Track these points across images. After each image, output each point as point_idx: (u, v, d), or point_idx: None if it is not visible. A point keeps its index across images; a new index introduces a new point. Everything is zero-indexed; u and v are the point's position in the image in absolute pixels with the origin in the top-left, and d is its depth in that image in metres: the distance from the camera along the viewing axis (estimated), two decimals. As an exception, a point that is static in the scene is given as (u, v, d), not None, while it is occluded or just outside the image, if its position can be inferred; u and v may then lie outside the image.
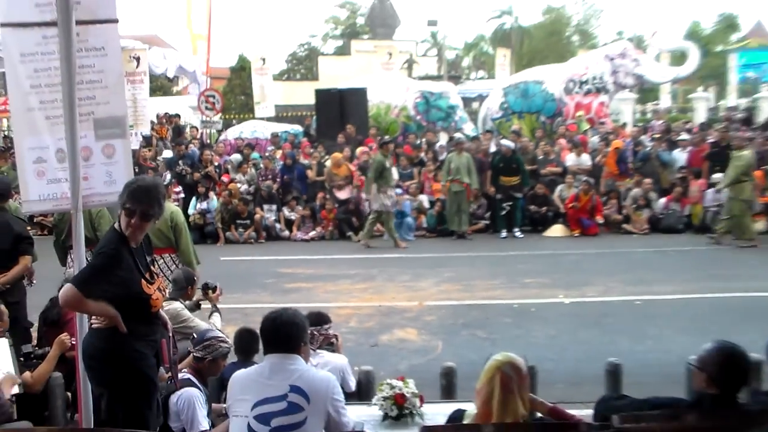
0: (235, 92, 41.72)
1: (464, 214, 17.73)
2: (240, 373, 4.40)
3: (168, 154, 20.06)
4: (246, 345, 6.17)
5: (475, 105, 30.88)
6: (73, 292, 4.56)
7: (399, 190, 18.06)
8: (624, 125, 26.09)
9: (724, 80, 46.90)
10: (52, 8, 4.90)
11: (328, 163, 19.21)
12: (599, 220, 18.07)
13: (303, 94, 31.72)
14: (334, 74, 37.58)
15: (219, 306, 7.74)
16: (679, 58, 28.60)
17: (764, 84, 42.57)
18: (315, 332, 5.93)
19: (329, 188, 18.77)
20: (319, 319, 6.29)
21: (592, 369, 7.29)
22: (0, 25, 5.12)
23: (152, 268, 5.10)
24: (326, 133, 21.66)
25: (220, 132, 25.87)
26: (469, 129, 23.92)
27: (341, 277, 13.66)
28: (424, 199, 18.69)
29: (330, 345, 6.38)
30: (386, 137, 20.09)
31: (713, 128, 21.92)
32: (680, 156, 19.81)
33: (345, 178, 18.86)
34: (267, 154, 20.66)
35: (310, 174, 19.41)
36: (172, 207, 9.24)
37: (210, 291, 7.63)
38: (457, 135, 20.22)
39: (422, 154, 20.40)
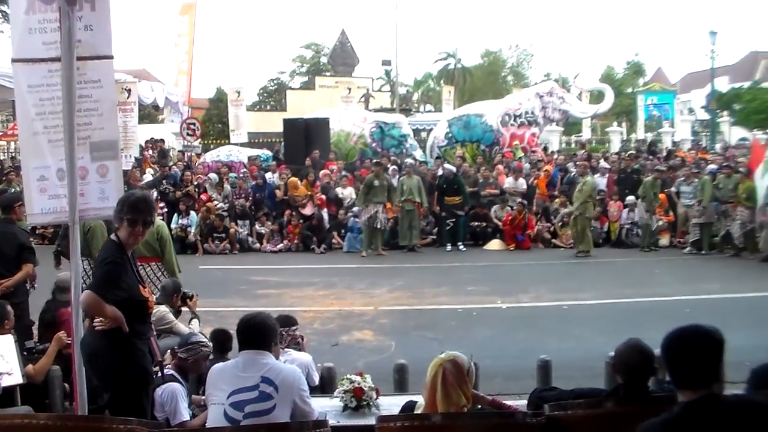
0: (213, 121, 41.50)
1: (415, 229, 17.72)
2: (217, 367, 4.43)
3: (148, 177, 19.87)
4: (221, 343, 6.14)
5: (423, 135, 30.92)
6: (94, 298, 4.57)
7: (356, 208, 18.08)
8: (553, 153, 26.30)
9: (633, 117, 47.72)
10: (57, 46, 4.95)
11: (291, 182, 19.13)
12: (531, 235, 18.15)
13: (273, 123, 31.62)
14: (301, 106, 37.59)
15: (197, 310, 7.70)
16: (597, 97, 29.06)
17: (666, 121, 43.43)
18: (283, 333, 5.89)
19: (295, 206, 18.67)
20: (287, 321, 6.26)
21: (526, 365, 7.31)
22: (12, 61, 5.18)
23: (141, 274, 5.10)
24: (293, 157, 21.52)
25: (199, 155, 25.68)
26: (418, 155, 23.95)
27: (306, 284, 13.56)
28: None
29: (297, 344, 6.34)
30: (378, 160, 20.04)
31: (623, 157, 22.28)
32: (600, 180, 20.01)
33: (305, 197, 18.78)
34: (241, 175, 20.52)
35: (278, 193, 19.31)
36: (158, 221, 9.15)
37: (188, 299, 7.59)
38: (408, 160, 20.27)
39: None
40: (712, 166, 19.38)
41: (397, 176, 18.85)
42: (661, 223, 18.02)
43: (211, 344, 5.88)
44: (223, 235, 18.06)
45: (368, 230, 17.29)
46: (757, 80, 69.38)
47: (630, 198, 18.34)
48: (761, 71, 77.44)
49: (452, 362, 4.17)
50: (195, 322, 7.53)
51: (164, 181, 19.02)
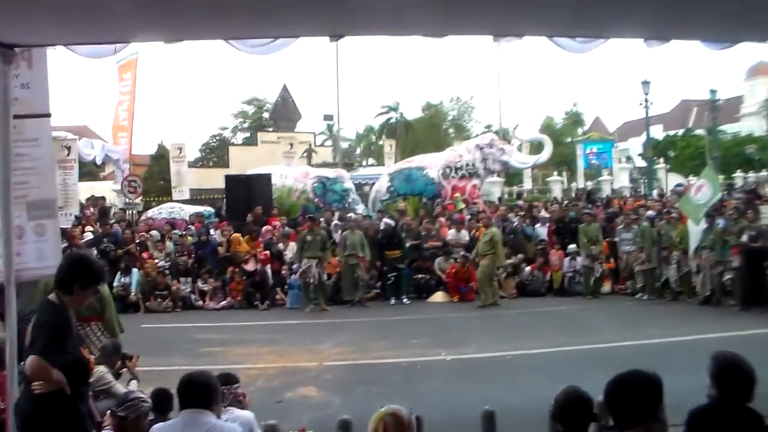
0: (155, 178, 41.24)
1: (360, 284, 17.77)
2: (157, 427, 4.38)
3: (88, 235, 19.58)
4: (161, 403, 6.05)
5: (366, 189, 31.12)
6: (40, 363, 4.45)
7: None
8: (495, 204, 26.62)
9: (573, 166, 48.62)
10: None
11: (233, 239, 19.06)
12: (475, 286, 18.26)
13: (215, 179, 31.53)
14: (243, 162, 37.58)
15: (138, 370, 7.59)
16: (537, 147, 29.57)
17: (605, 169, 44.36)
18: (225, 391, 5.83)
19: (237, 262, 18.58)
20: (228, 379, 6.19)
21: (470, 417, 7.32)
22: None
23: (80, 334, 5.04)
24: (235, 213, 21.45)
25: (140, 213, 25.44)
26: (361, 210, 24.10)
27: (249, 341, 13.45)
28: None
29: (239, 402, 6.27)
30: (311, 214, 20.32)
31: (563, 206, 22.70)
32: (541, 230, 20.35)
33: (247, 253, 18.73)
34: (184, 232, 20.39)
35: (221, 250, 19.22)
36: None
37: (128, 360, 7.49)
38: (350, 215, 20.39)
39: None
40: (651, 213, 19.86)
41: (340, 231, 18.98)
42: (603, 270, 18.31)
43: (150, 401, 5.79)
44: (166, 292, 17.87)
45: (304, 285, 17.30)
46: (690, 128, 71.64)
47: (571, 246, 18.68)
48: (693, 119, 79.87)
49: (392, 415, 4.19)
50: (134, 383, 7.42)
51: (105, 240, 18.78)
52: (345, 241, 17.96)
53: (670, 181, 40.91)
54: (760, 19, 5.36)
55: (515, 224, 20.59)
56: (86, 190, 27.62)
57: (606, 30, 5.56)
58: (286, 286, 18.37)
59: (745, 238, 15.79)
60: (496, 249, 17.19)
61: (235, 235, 19.29)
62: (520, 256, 19.11)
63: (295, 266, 18.02)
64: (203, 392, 4.31)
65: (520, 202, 27.36)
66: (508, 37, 5.73)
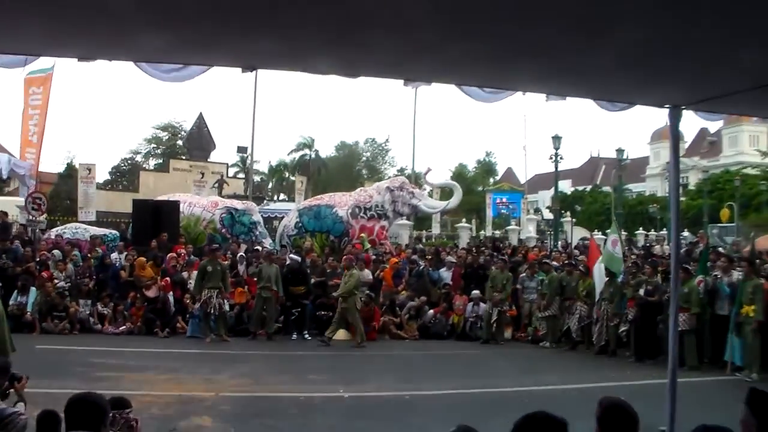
0: (61, 197, 40.31)
1: (271, 317, 17.74)
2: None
3: None
4: (48, 426, 5.92)
5: (275, 223, 31.08)
6: None
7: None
8: (404, 247, 26.85)
9: (483, 214, 49.56)
10: None
11: (136, 264, 18.76)
12: (377, 326, 18.36)
13: (124, 203, 31.05)
14: (154, 188, 37.25)
15: (29, 391, 7.40)
16: (448, 193, 30.09)
17: (514, 219, 45.32)
18: (116, 415, 5.76)
19: (140, 287, 18.28)
20: (120, 403, 6.10)
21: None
22: None
23: None
24: (140, 238, 21.12)
25: (43, 231, 24.84)
26: (267, 243, 24.07)
27: (146, 368, 13.21)
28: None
29: (130, 428, 6.19)
30: (215, 245, 20.30)
31: (470, 253, 23.09)
32: (446, 274, 20.66)
33: (151, 279, 18.47)
34: (86, 254, 20.00)
35: (123, 274, 18.88)
36: (-11, 298, 8.85)
37: (16, 381, 7.30)
38: (267, 247, 20.37)
39: (226, 262, 20.21)
40: (555, 263, 20.39)
41: (245, 262, 18.99)
42: (505, 317, 18.62)
43: (27, 413, 5.66)
44: (63, 314, 17.41)
45: (204, 315, 17.21)
46: (598, 184, 73.92)
47: (475, 292, 18.99)
48: (601, 176, 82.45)
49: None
50: (20, 405, 7.22)
51: (3, 256, 18.27)
52: (261, 273, 17.97)
53: (575, 234, 42.07)
54: (654, 84, 5.68)
55: (422, 267, 20.83)
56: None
57: (509, 83, 5.81)
58: (187, 315, 18.16)
59: (641, 292, 16.37)
60: (355, 290, 17.29)
61: (140, 259, 19.00)
62: (423, 298, 19.34)
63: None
64: (91, 414, 4.22)
65: (420, 245, 27.71)
66: (417, 83, 5.94)
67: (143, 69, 5.14)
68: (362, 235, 24.05)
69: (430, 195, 31.86)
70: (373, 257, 21.19)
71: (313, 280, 19.07)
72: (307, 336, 17.85)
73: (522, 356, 16.89)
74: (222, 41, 4.87)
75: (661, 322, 15.85)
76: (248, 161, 48.11)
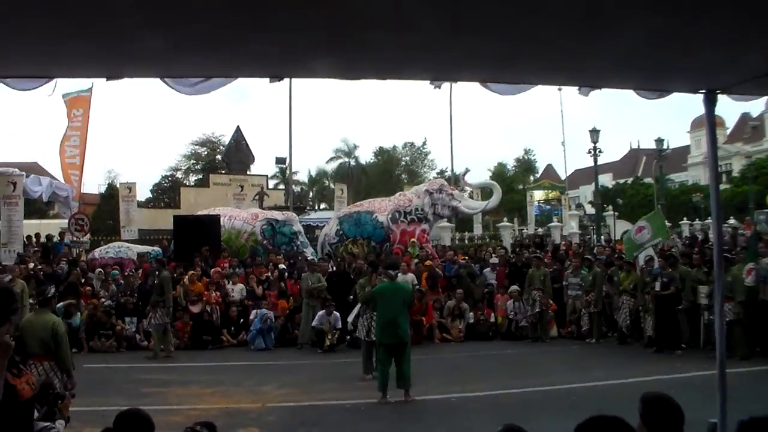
0: (103, 217, 40.91)
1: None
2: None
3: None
4: None
5: (317, 232, 31.15)
6: None
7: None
8: (446, 249, 26.71)
9: (524, 212, 49.24)
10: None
11: (186, 280, 18.85)
12: (429, 321, 18.34)
13: (166, 220, 31.28)
14: (195, 203, 37.61)
15: (75, 409, 7.45)
16: (487, 194, 29.93)
17: (555, 216, 44.94)
18: None
19: (185, 303, 18.38)
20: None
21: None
22: None
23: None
24: (182, 254, 21.22)
25: (87, 251, 25.17)
26: (309, 253, 24.08)
27: (192, 382, 13.31)
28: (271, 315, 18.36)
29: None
30: (257, 257, 20.90)
31: (514, 252, 22.93)
32: (490, 275, 20.52)
33: (198, 294, 18.57)
34: (129, 272, 20.20)
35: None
36: (54, 318, 8.93)
37: (60, 401, 7.35)
38: (309, 256, 20.42)
39: (267, 274, 20.28)
40: (601, 256, 20.16)
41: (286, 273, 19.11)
42: (548, 313, 18.44)
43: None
44: (110, 332, 17.63)
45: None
46: (639, 176, 73.08)
47: (513, 288, 18.87)
48: (642, 168, 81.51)
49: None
50: (60, 423, 7.26)
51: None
52: (308, 282, 17.97)
53: (619, 227, 41.59)
54: (687, 69, 5.55)
55: (461, 267, 20.70)
56: (33, 227, 27.26)
57: (535, 77, 5.71)
58: (232, 327, 18.27)
59: (657, 285, 16.22)
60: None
61: (192, 273, 19.11)
62: (460, 292, 19.21)
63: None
64: (139, 430, 4.25)
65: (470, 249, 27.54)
66: (440, 81, 5.88)
67: (168, 84, 5.14)
68: (413, 240, 23.89)
69: (470, 196, 31.67)
70: (416, 261, 21.04)
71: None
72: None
73: (569, 353, 16.69)
74: (250, 50, 4.86)
75: (679, 312, 15.73)
76: (287, 172, 48.33)
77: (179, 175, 66.86)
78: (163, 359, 16.26)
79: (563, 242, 29.42)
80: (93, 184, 68.98)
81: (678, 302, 15.91)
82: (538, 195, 61.84)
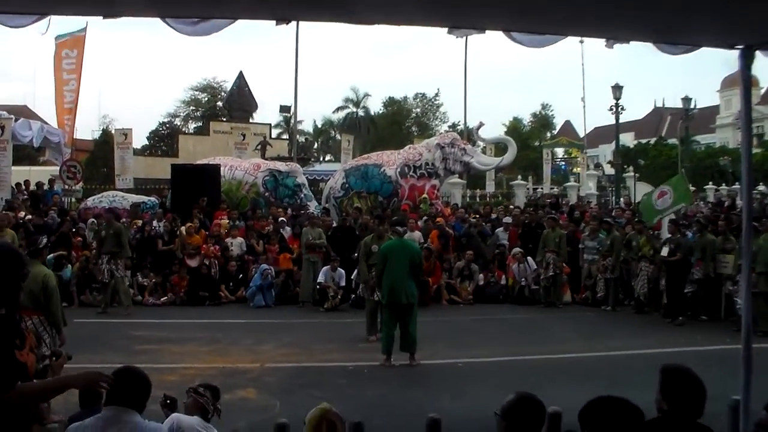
0: (97, 164, 40.83)
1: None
2: (74, 426, 4.27)
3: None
4: (90, 396, 5.92)
5: (321, 185, 31.08)
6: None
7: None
8: (456, 206, 26.61)
9: (540, 171, 49.00)
10: None
11: (183, 231, 18.85)
12: (437, 282, 18.39)
13: (163, 169, 31.25)
14: (194, 152, 37.54)
15: (69, 366, 7.46)
16: (502, 150, 29.72)
17: (572, 175, 44.68)
18: (219, 406, 5.84)
19: (181, 256, 18.40)
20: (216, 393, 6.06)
21: (414, 424, 7.33)
22: None
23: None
24: (180, 205, 21.21)
25: (80, 201, 25.14)
26: (313, 207, 24.06)
27: (188, 340, 13.38)
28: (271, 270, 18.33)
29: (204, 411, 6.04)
30: (258, 210, 20.97)
31: (527, 211, 22.82)
32: (503, 235, 20.45)
33: (196, 247, 18.59)
34: (124, 223, 20.17)
35: (160, 243, 19.01)
36: (45, 270, 8.89)
37: (54, 358, 7.36)
38: (311, 210, 20.35)
39: (269, 228, 20.23)
40: (621, 219, 20.08)
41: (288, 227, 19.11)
42: (560, 277, 18.37)
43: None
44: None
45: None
46: (663, 136, 72.53)
47: (516, 250, 18.95)
48: (667, 127, 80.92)
49: (332, 412, 4.19)
50: None
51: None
52: (307, 237, 17.97)
53: (639, 190, 41.35)
54: (724, 22, 5.42)
55: (472, 225, 20.64)
56: (22, 174, 27.25)
57: (564, 27, 5.59)
58: (230, 283, 18.32)
59: (665, 251, 16.26)
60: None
61: (190, 225, 19.15)
62: (470, 254, 19.19)
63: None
64: (133, 389, 4.21)
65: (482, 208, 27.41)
66: (462, 30, 5.76)
67: (169, 23, 5.04)
68: (423, 196, 23.82)
69: (483, 151, 31.44)
70: (425, 218, 20.95)
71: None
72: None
73: (583, 320, 16.67)
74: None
75: (689, 282, 15.87)
76: (291, 121, 48.12)
77: (178, 122, 66.63)
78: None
79: (579, 204, 29.23)
80: (86, 129, 68.66)
81: (687, 269, 15.96)
82: (560, 152, 61.58)
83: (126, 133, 31.73)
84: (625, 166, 47.03)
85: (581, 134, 61.18)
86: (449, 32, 5.69)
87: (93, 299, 17.33)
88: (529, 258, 18.75)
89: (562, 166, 49.33)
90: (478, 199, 38.89)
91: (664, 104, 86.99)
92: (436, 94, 77.51)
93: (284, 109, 50.16)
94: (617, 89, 37.09)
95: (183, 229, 18.97)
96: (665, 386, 4.05)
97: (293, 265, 18.82)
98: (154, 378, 4.71)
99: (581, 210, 24.25)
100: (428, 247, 18.36)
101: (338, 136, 65.26)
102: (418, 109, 78.56)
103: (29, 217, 19.10)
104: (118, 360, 11.04)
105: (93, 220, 20.08)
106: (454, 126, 64.43)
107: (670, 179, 18.91)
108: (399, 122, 73.71)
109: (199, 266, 18.33)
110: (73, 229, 19.16)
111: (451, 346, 13.07)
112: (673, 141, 62.28)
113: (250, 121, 46.80)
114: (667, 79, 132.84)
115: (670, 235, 16.60)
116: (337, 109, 73.44)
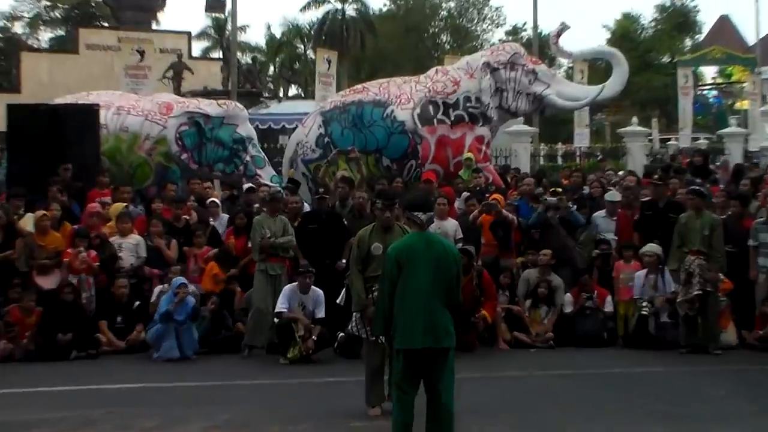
0: None
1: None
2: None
3: None
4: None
5: (283, 139, 31.06)
6: None
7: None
8: (521, 173, 26.41)
9: (672, 108, 48.80)
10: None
11: (28, 227, 18.50)
12: (481, 320, 17.85)
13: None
14: (49, 82, 37.63)
15: None
16: (601, 72, 29.52)
17: (734, 116, 44.37)
18: None
19: (25, 270, 18.10)
20: None
21: None
22: None
23: None
24: (26, 178, 20.75)
25: None
26: (266, 176, 23.81)
27: (36, 424, 13.07)
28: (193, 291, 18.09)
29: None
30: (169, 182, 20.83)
31: (651, 181, 22.44)
32: (605, 223, 20.09)
33: (55, 255, 18.30)
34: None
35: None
36: None
37: None
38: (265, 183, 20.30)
39: (186, 217, 20.00)
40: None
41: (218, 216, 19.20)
42: (714, 299, 18.03)
43: None
44: None
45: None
46: None
47: (647, 247, 18.62)
48: None
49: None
50: None
51: None
52: (256, 231, 17.74)
53: None
54: None
55: (546, 209, 20.18)
56: None
57: None
58: (118, 318, 18.12)
59: None
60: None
61: (40, 214, 18.59)
62: (545, 254, 18.99)
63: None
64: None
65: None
66: None
67: None
68: (468, 154, 23.59)
69: (569, 76, 31.32)
70: (466, 194, 20.74)
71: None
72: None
73: (765, 382, 16.16)
74: None
75: None
76: (228, 27, 48.10)
77: (18, 28, 66.74)
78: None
79: (747, 165, 29.03)
80: None
81: None
82: (709, 73, 61.22)
83: None
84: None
85: (750, 41, 61.05)
86: None
87: None
88: (664, 268, 18.38)
89: (715, 100, 48.90)
90: (560, 161, 38.83)
91: None
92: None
93: (214, 5, 50.00)
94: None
95: (29, 220, 18.64)
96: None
97: (232, 284, 18.60)
98: None
99: (753, 177, 23.95)
100: (467, 249, 17.84)
101: (311, 54, 65.34)
102: (452, 3, 78.39)
103: None
104: None
105: None
106: (515, 31, 64.50)
107: None
108: (417, 27, 73.70)
109: (58, 289, 18.02)
110: None
111: (517, 427, 12.83)
112: None
113: (154, 27, 46.83)
114: None
115: None
116: (306, 6, 73.11)
